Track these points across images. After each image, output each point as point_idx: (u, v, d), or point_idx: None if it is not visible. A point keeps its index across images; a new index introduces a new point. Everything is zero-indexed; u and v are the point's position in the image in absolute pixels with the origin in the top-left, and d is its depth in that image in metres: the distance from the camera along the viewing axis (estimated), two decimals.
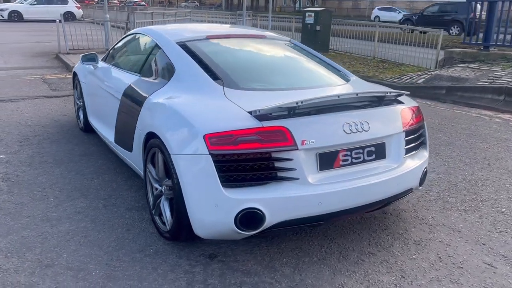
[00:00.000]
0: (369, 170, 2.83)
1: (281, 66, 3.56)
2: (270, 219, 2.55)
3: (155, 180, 3.06)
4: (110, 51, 4.70)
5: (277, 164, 2.55)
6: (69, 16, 26.33)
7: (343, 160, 2.75)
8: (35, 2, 26.32)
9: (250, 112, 2.61)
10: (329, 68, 3.68)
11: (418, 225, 3.32)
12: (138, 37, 4.18)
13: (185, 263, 2.76)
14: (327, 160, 2.70)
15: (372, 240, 3.10)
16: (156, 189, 3.04)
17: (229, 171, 2.51)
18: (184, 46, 3.45)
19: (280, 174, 2.57)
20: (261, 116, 2.58)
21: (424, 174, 3.20)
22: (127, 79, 3.82)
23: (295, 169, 2.57)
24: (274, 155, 2.54)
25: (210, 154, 2.48)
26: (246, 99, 2.85)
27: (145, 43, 3.93)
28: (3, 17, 25.42)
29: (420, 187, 3.27)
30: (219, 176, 2.49)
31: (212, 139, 2.50)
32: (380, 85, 3.90)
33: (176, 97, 3.01)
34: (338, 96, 2.69)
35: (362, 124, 2.77)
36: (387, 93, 2.91)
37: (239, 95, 2.89)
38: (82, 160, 4.44)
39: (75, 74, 5.36)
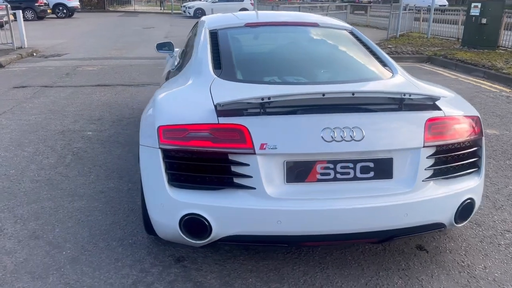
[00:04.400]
0: (363, 191, 2.21)
1: (309, 58, 3.04)
2: (218, 231, 2.20)
3: None
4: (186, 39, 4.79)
5: (231, 168, 2.18)
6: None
7: (322, 174, 2.20)
8: (217, 0, 28.94)
9: (215, 106, 2.28)
10: (374, 63, 3.00)
11: (454, 273, 2.49)
12: (196, 25, 4.12)
13: (148, 261, 2.60)
14: (298, 171, 2.20)
15: (374, 280, 2.44)
16: None
17: (178, 169, 2.25)
18: (214, 33, 3.24)
19: (233, 180, 2.19)
20: (222, 111, 2.23)
21: (466, 207, 2.37)
22: (173, 65, 3.82)
23: (251, 177, 2.16)
24: (228, 157, 2.18)
25: (160, 148, 2.25)
26: (231, 92, 2.51)
27: (195, 31, 3.85)
28: (190, 13, 28.66)
29: (460, 224, 2.44)
30: (166, 173, 2.25)
31: (165, 132, 2.26)
32: (434, 87, 2.85)
33: (170, 84, 2.85)
34: (323, 94, 2.15)
35: (352, 132, 2.17)
36: (404, 95, 2.21)
37: (226, 87, 2.57)
38: None
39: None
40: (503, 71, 8.51)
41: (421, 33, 15.64)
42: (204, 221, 2.19)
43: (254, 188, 2.16)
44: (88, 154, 4.33)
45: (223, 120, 2.20)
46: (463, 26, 13.20)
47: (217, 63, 2.82)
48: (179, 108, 2.43)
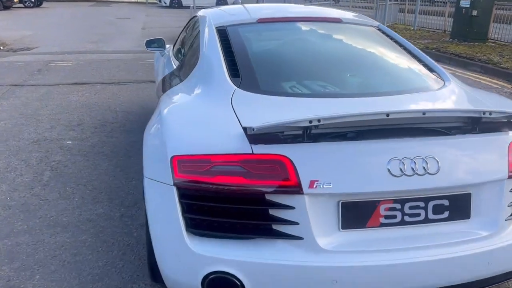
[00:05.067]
0: (436, 237, 1.75)
1: (343, 63, 2.55)
2: None
3: None
4: (178, 37, 4.22)
5: (270, 212, 1.68)
6: (222, 3, 27.49)
7: (386, 217, 1.73)
8: None
9: (244, 130, 1.77)
10: (417, 67, 2.54)
11: None
12: (194, 21, 3.57)
13: None
14: (357, 214, 1.71)
15: None
16: None
17: (200, 213, 1.74)
18: (222, 31, 2.71)
19: (273, 227, 1.69)
20: (256, 136, 1.72)
21: None
22: (169, 68, 3.27)
23: (296, 223, 1.67)
24: (266, 197, 1.68)
25: (175, 184, 1.73)
26: (258, 108, 2.00)
27: (195, 28, 3.30)
28: (165, 3, 27.68)
29: None
30: (184, 217, 1.74)
31: (181, 164, 1.74)
32: (500, 97, 2.53)
33: (177, 98, 2.32)
34: (387, 115, 1.66)
35: (425, 163, 1.70)
36: (483, 113, 1.75)
37: (251, 101, 2.06)
38: (138, 155, 4.07)
39: (154, 61, 5.06)
40: (501, 65, 8.24)
41: (406, 24, 15.37)
42: (236, 281, 1.68)
43: (301, 238, 1.67)
44: (69, 169, 3.74)
45: (258, 149, 1.69)
46: (449, 18, 12.99)
47: (234, 69, 2.30)
48: (197, 131, 1.89)
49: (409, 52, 2.70)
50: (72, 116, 5.22)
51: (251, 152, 1.69)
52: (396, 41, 2.82)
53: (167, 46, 4.36)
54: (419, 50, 2.73)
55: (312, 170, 1.66)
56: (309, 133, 1.70)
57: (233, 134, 1.77)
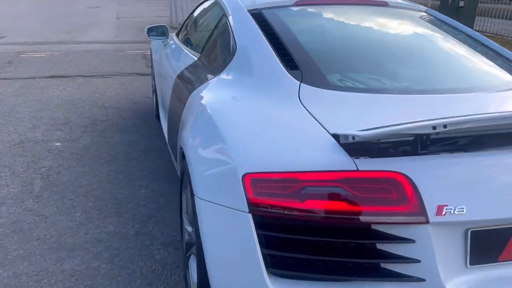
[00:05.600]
0: None
1: (411, 53, 2.16)
2: None
3: (187, 220, 2.00)
4: (184, 23, 3.75)
5: (378, 247, 1.29)
6: None
7: None
8: None
9: (336, 137, 1.37)
10: (494, 57, 2.20)
11: None
12: (210, 4, 3.11)
13: None
14: (489, 245, 1.34)
15: None
16: (188, 233, 1.97)
17: (284, 248, 1.32)
18: (258, 15, 2.28)
19: (382, 266, 1.30)
20: (356, 147, 1.32)
21: None
22: (186, 60, 2.80)
23: (417, 261, 1.28)
24: (374, 228, 1.29)
25: (251, 211, 1.32)
26: (336, 107, 1.60)
27: (216, 11, 2.85)
28: None
29: None
30: (263, 255, 1.32)
31: (257, 184, 1.33)
32: None
33: (222, 97, 1.88)
34: None
35: None
36: None
37: (324, 100, 1.65)
38: (140, 158, 3.60)
39: (152, 51, 4.55)
40: None
41: None
42: None
43: (423, 280, 1.29)
44: (63, 176, 3.23)
45: (364, 164, 1.29)
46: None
47: (289, 60, 1.88)
48: (272, 140, 1.47)
49: (475, 40, 2.35)
50: (56, 114, 4.65)
51: (355, 168, 1.29)
52: (454, 29, 2.47)
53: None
54: (486, 38, 2.38)
55: (439, 191, 1.27)
56: (427, 143, 1.31)
57: (322, 144, 1.37)
